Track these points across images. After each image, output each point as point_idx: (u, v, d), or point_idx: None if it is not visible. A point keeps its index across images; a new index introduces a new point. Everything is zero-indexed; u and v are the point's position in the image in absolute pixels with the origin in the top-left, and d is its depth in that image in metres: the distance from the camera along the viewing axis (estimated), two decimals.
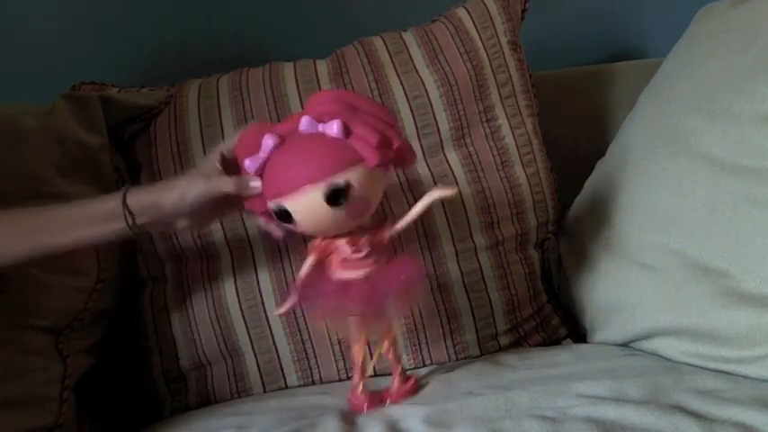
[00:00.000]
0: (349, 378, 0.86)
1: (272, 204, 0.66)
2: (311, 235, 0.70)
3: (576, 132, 1.09)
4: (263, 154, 0.66)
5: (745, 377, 0.68)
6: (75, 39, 1.13)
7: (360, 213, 0.66)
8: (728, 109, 0.75)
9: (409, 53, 0.95)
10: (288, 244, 0.86)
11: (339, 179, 0.62)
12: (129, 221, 0.70)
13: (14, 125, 0.86)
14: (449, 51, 0.95)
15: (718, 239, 0.72)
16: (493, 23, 0.97)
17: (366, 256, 0.68)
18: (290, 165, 0.64)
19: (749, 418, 0.59)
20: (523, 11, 1.00)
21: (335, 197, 0.62)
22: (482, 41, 0.96)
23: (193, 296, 0.89)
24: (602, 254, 0.86)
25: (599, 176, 0.94)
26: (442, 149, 0.92)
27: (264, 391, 0.87)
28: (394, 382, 0.74)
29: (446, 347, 0.87)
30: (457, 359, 0.88)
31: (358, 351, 0.71)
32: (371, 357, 0.74)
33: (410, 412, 0.67)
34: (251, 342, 0.87)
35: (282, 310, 0.71)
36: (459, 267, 0.88)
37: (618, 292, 0.82)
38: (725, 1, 0.88)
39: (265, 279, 0.88)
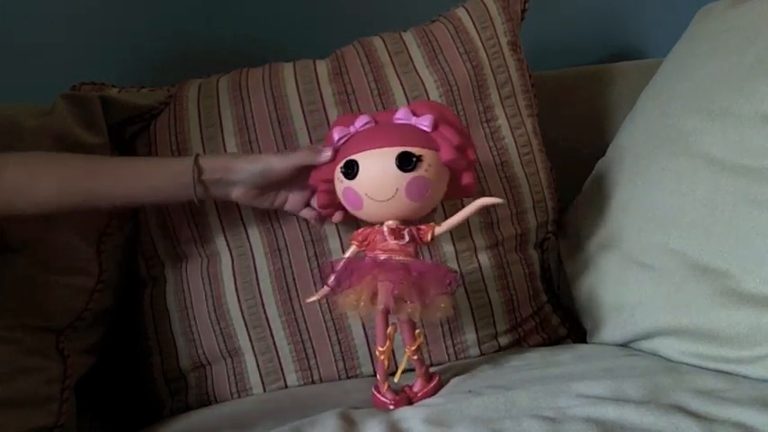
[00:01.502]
0: (349, 377, 0.87)
1: (341, 164, 0.71)
2: (357, 215, 0.74)
3: (576, 132, 1.09)
4: (353, 129, 0.73)
5: (745, 377, 0.68)
6: (75, 39, 1.13)
7: (417, 193, 0.70)
8: (728, 109, 0.75)
9: (409, 53, 0.95)
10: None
11: (415, 150, 0.69)
12: (195, 175, 0.76)
13: (15, 125, 0.86)
14: (448, 51, 0.95)
15: (718, 239, 0.72)
16: (493, 23, 0.97)
17: (406, 245, 0.71)
18: (376, 132, 0.72)
19: (749, 418, 0.58)
20: (523, 11, 1.00)
21: (407, 162, 0.68)
22: (482, 41, 0.96)
23: (193, 296, 0.89)
24: (602, 254, 0.86)
25: (599, 176, 0.94)
26: None
27: (264, 391, 0.87)
28: (417, 382, 0.74)
29: (446, 347, 0.87)
30: (457, 359, 0.88)
31: (383, 351, 0.71)
32: (394, 360, 0.74)
33: (410, 412, 0.67)
34: (251, 342, 0.87)
35: (316, 297, 0.76)
36: (459, 267, 0.88)
37: (618, 291, 0.82)
38: (725, 1, 0.88)
39: (265, 279, 0.88)
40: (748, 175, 0.71)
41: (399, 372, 0.71)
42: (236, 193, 0.79)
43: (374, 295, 0.69)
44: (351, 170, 0.70)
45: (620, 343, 0.83)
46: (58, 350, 0.81)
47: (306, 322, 0.87)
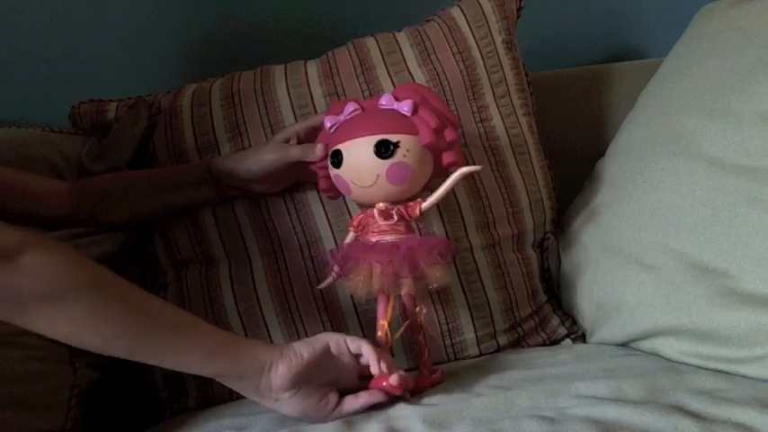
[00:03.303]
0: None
1: (330, 153, 0.76)
2: (349, 198, 0.81)
3: (576, 132, 1.08)
4: (342, 117, 0.77)
5: (744, 377, 0.68)
6: (75, 41, 1.13)
7: (398, 178, 0.74)
8: (728, 109, 0.75)
9: (402, 53, 0.95)
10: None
11: (392, 138, 0.73)
12: (213, 183, 0.85)
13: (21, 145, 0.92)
14: (441, 51, 0.95)
15: (718, 239, 0.72)
16: (487, 22, 0.96)
17: (395, 225, 0.75)
18: (359, 122, 0.76)
19: (749, 418, 0.58)
20: (519, 9, 1.00)
21: (384, 149, 0.72)
22: (476, 41, 0.95)
23: (192, 300, 0.89)
24: (602, 253, 0.86)
25: (598, 176, 0.94)
26: None
27: None
28: (420, 372, 0.76)
29: (444, 347, 0.87)
30: (456, 359, 0.88)
31: (382, 326, 0.73)
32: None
33: (409, 412, 0.66)
34: None
35: (324, 284, 0.80)
36: (456, 267, 0.88)
37: (617, 292, 0.82)
38: (725, 1, 0.88)
39: (261, 282, 0.88)
40: (748, 175, 0.71)
41: (398, 334, 0.73)
42: (259, 188, 0.86)
43: (371, 277, 0.72)
44: (336, 159, 0.75)
45: (620, 343, 0.83)
46: (70, 362, 0.81)
47: (303, 323, 0.87)
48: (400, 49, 0.95)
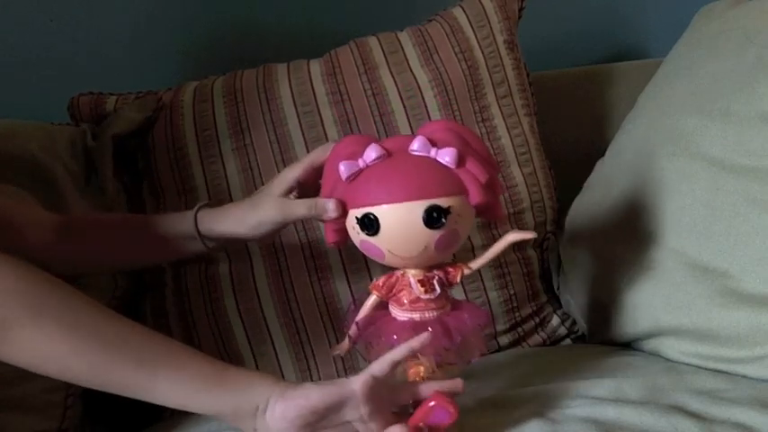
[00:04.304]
0: (348, 377, 0.86)
1: (358, 211, 0.61)
2: (377, 259, 0.64)
3: (576, 132, 1.08)
4: (362, 163, 0.62)
5: (744, 377, 0.68)
6: (75, 41, 1.13)
7: (446, 246, 0.62)
8: (728, 109, 0.75)
9: (404, 53, 0.95)
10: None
11: (443, 202, 0.60)
12: (204, 243, 0.73)
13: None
14: (443, 51, 0.95)
15: (718, 239, 0.72)
16: (489, 22, 0.96)
17: (437, 298, 0.63)
18: (395, 176, 0.61)
19: (748, 418, 0.59)
20: (521, 9, 1.00)
21: (437, 218, 0.59)
22: (477, 41, 0.95)
23: (192, 300, 0.89)
24: (602, 254, 0.86)
25: (598, 176, 0.94)
26: None
27: None
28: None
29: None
30: None
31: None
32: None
33: None
34: (249, 344, 0.87)
35: (338, 352, 0.67)
36: None
37: (617, 292, 0.82)
38: (725, 1, 0.88)
39: (262, 281, 0.88)
40: (748, 175, 0.71)
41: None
42: (253, 242, 0.82)
43: (413, 364, 0.62)
44: (370, 225, 0.61)
45: (620, 343, 0.83)
46: None
47: (304, 323, 0.87)
48: (402, 49, 0.95)
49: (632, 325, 0.80)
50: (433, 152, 0.61)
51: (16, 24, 1.10)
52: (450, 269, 0.65)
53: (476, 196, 0.61)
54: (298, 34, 1.17)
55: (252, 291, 0.87)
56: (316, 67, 0.95)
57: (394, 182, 0.60)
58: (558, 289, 0.97)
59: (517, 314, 0.91)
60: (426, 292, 0.63)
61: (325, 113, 0.91)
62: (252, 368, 0.87)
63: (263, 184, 0.89)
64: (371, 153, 0.61)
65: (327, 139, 0.91)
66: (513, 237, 0.64)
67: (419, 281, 0.63)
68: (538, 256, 0.96)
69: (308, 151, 0.90)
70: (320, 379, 0.87)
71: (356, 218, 0.62)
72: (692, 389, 0.65)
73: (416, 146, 0.61)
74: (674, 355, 0.75)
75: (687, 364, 0.73)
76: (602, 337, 0.86)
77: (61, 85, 0.99)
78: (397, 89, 0.92)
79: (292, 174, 0.69)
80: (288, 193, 0.69)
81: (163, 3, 1.15)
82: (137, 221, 0.79)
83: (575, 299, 0.92)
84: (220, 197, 0.90)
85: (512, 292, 0.91)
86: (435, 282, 0.63)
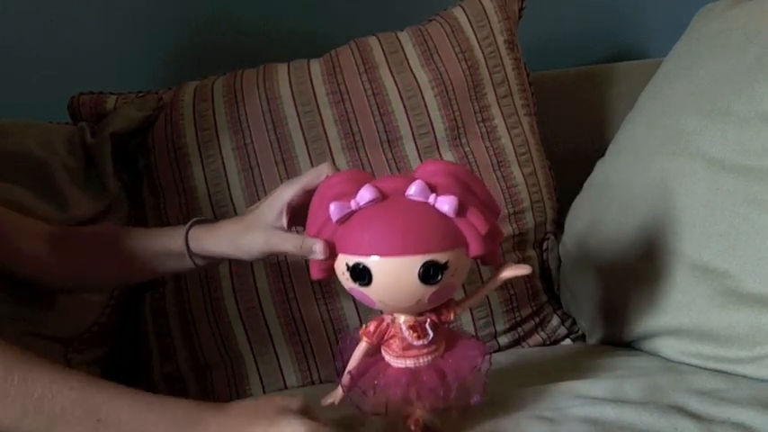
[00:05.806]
0: None
1: (350, 258, 0.58)
2: (367, 305, 0.61)
3: (576, 132, 1.08)
4: (354, 205, 0.57)
5: (744, 377, 0.68)
6: (75, 41, 1.13)
7: (440, 298, 0.59)
8: (728, 109, 0.75)
9: (404, 53, 0.95)
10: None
11: (441, 258, 0.56)
12: (194, 261, 0.71)
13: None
14: (444, 51, 0.95)
15: (718, 239, 0.72)
16: (489, 22, 0.96)
17: (430, 342, 0.60)
18: (390, 226, 0.57)
19: (748, 418, 0.58)
20: (521, 9, 1.00)
21: (433, 274, 0.56)
22: (478, 41, 0.96)
23: (192, 299, 0.89)
24: (602, 253, 0.86)
25: (599, 176, 0.94)
26: (438, 150, 0.92)
27: (264, 393, 0.87)
28: None
29: None
30: None
31: None
32: None
33: None
34: (250, 344, 0.87)
35: (331, 401, 0.63)
36: None
37: (617, 292, 0.82)
38: (725, 1, 0.88)
39: (262, 280, 0.88)
40: (748, 175, 0.71)
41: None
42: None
43: (409, 413, 0.60)
44: (361, 275, 0.57)
45: (620, 343, 0.83)
46: (65, 358, 0.81)
47: (304, 322, 0.87)
48: (402, 49, 0.95)
49: (632, 325, 0.80)
50: (431, 198, 0.56)
51: (16, 24, 1.11)
52: (443, 311, 0.61)
53: (476, 249, 0.57)
54: (298, 34, 1.17)
55: (252, 291, 0.87)
56: (316, 66, 0.95)
57: (389, 232, 0.56)
58: (558, 289, 0.97)
59: (517, 314, 0.91)
60: (419, 338, 0.59)
61: (326, 113, 0.91)
62: (252, 368, 0.87)
63: (263, 184, 0.90)
64: (366, 195, 0.57)
65: (327, 139, 0.91)
66: (507, 274, 0.61)
67: (410, 326, 0.59)
68: (538, 256, 0.96)
69: (308, 151, 0.91)
70: (321, 380, 0.87)
71: (347, 265, 0.58)
72: (692, 389, 0.65)
73: (414, 190, 0.57)
74: (674, 355, 0.75)
75: (687, 364, 0.73)
76: (602, 337, 0.86)
77: (61, 85, 0.99)
78: (398, 89, 0.92)
79: (287, 193, 0.66)
80: (281, 214, 0.67)
81: (163, 3, 1.15)
82: (126, 234, 0.77)
83: (575, 299, 0.92)
84: (220, 197, 0.91)
85: (512, 292, 0.91)
86: (428, 326, 0.60)
